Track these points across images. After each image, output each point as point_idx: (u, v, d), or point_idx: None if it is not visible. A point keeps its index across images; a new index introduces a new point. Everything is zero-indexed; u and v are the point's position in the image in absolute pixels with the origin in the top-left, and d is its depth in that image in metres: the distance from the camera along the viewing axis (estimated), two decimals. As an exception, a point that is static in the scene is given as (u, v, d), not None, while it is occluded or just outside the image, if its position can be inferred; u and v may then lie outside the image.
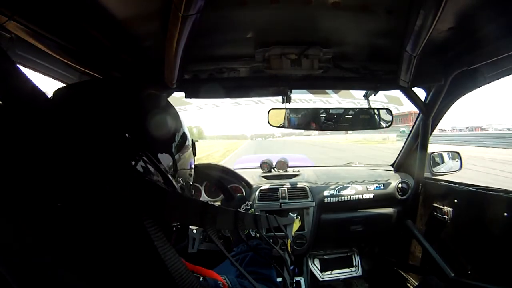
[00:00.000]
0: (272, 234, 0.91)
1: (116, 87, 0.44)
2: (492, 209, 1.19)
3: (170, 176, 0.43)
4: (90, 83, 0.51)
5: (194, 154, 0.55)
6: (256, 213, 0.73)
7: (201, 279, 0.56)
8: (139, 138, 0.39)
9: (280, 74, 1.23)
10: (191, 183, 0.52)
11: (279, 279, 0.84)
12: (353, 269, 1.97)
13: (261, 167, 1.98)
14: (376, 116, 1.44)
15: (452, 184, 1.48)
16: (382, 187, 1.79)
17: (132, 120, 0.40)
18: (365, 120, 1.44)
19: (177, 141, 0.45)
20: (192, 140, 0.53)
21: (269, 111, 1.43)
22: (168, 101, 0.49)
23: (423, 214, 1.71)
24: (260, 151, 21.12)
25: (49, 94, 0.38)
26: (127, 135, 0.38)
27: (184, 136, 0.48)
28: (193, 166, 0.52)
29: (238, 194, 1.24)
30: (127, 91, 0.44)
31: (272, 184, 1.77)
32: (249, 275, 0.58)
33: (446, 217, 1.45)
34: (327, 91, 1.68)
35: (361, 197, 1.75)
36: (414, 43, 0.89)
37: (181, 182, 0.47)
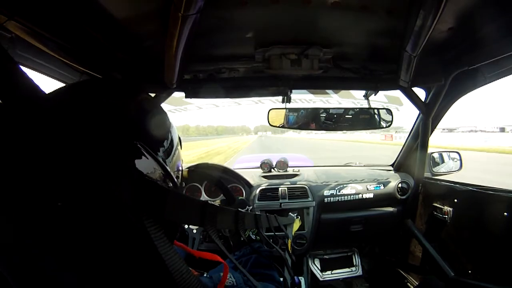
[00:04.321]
0: (272, 234, 0.91)
1: (111, 89, 0.44)
2: (492, 209, 1.19)
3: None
4: (85, 84, 0.51)
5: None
6: (256, 213, 0.73)
7: (205, 275, 0.56)
8: (131, 139, 0.39)
9: (280, 74, 1.23)
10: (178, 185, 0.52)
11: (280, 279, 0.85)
12: (353, 268, 1.97)
13: (261, 167, 1.99)
14: (376, 116, 1.44)
15: (452, 184, 1.48)
16: (382, 187, 1.79)
17: (124, 122, 0.39)
18: (365, 120, 1.44)
19: (166, 145, 0.45)
20: (179, 138, 0.53)
21: (269, 111, 1.44)
22: (159, 104, 0.49)
23: (423, 214, 1.71)
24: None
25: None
26: (122, 136, 0.38)
27: (173, 140, 0.48)
28: (181, 168, 0.52)
29: (239, 198, 1.25)
30: (122, 93, 0.44)
31: (272, 183, 1.77)
32: (255, 276, 0.61)
33: (446, 216, 1.45)
34: (327, 91, 1.68)
35: (361, 197, 1.75)
36: (414, 43, 0.89)
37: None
